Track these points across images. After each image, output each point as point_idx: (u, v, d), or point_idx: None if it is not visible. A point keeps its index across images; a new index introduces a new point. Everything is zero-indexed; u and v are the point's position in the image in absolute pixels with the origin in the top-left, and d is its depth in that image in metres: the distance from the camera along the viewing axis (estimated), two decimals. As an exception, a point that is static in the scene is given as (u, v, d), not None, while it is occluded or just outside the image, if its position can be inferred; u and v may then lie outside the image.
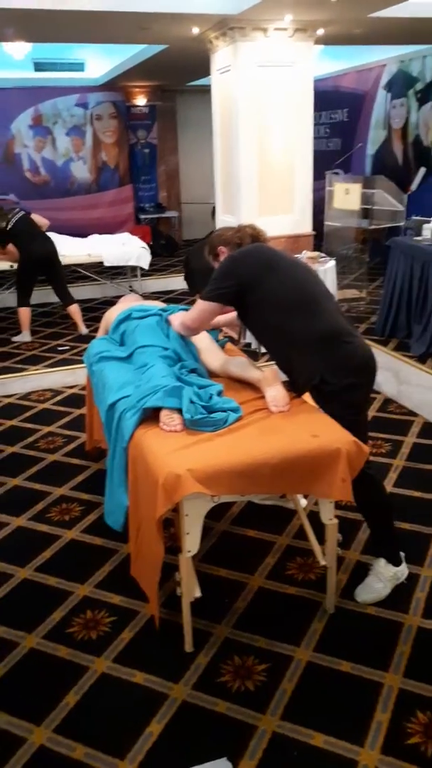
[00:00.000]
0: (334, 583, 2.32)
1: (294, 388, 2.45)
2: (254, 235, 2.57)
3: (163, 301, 3.38)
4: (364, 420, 2.49)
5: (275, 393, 2.36)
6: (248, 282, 2.32)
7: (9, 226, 5.36)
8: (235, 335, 3.24)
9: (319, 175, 6.19)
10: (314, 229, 5.99)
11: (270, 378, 2.44)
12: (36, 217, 5.55)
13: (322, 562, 2.35)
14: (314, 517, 2.58)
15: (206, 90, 6.32)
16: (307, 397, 2.44)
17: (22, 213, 5.50)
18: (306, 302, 2.32)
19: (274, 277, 2.32)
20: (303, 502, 2.80)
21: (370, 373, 2.34)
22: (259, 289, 2.31)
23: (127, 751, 1.82)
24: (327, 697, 1.99)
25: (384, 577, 2.39)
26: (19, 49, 6.12)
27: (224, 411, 2.23)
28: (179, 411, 2.21)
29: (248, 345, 5.06)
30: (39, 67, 7.74)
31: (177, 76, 8.56)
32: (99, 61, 8.02)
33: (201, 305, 2.42)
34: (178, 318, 2.67)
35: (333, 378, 2.25)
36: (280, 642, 2.20)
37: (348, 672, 2.07)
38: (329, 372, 2.25)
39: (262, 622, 2.29)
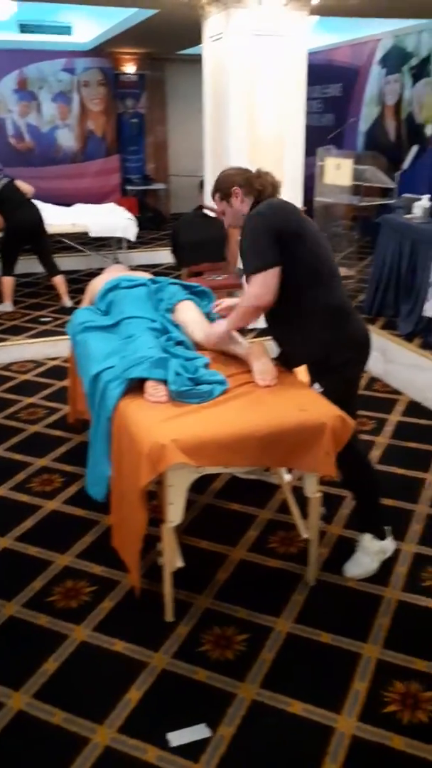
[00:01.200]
0: (315, 556, 2.34)
1: (289, 361, 2.41)
2: (275, 187, 2.31)
3: (149, 274, 3.32)
4: (356, 395, 2.49)
5: (263, 366, 2.34)
6: (282, 240, 2.13)
7: None
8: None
9: (311, 152, 6.11)
10: (304, 205, 5.93)
11: (257, 352, 2.42)
12: (21, 184, 5.41)
13: (305, 535, 2.37)
14: (297, 492, 2.59)
15: (196, 60, 6.17)
16: (298, 371, 2.43)
17: (7, 179, 5.35)
18: (327, 274, 2.24)
19: (303, 242, 2.18)
20: (287, 477, 2.81)
21: (368, 350, 2.34)
22: (287, 251, 2.15)
23: (105, 717, 1.83)
24: (306, 666, 2.02)
25: (370, 551, 2.41)
26: (4, 9, 5.91)
27: (210, 383, 2.21)
28: (165, 382, 2.19)
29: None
30: (24, 29, 7.48)
31: (167, 44, 8.34)
32: (87, 26, 7.78)
33: (262, 277, 2.14)
34: (236, 314, 2.35)
35: (336, 352, 2.24)
36: (261, 613, 2.21)
37: (327, 643, 2.09)
38: (335, 346, 2.24)
39: (243, 594, 2.30)
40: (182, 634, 2.12)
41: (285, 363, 2.46)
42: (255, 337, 4.69)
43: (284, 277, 2.17)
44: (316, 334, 2.24)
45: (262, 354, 2.41)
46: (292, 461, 2.14)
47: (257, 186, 2.27)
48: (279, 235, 2.13)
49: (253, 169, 2.33)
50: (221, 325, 2.47)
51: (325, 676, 1.98)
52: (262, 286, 2.15)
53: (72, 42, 8.26)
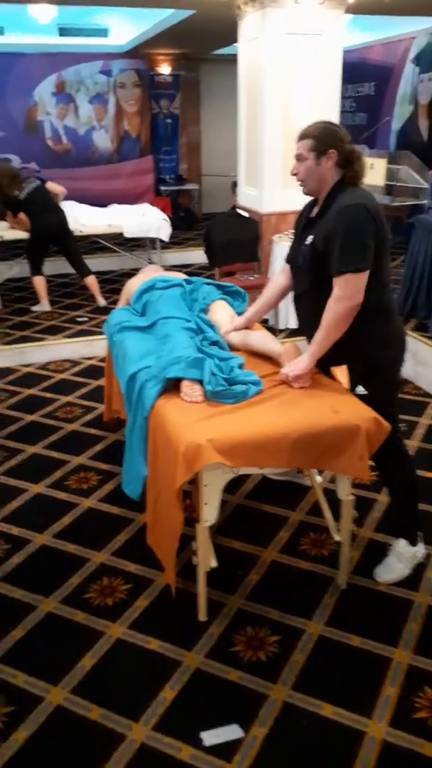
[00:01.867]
0: (347, 559, 2.34)
1: (328, 361, 2.34)
2: (362, 177, 2.19)
3: (183, 274, 3.35)
4: (397, 397, 2.46)
5: (296, 367, 2.34)
6: (377, 244, 2.07)
7: (23, 196, 5.32)
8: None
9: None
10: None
11: (291, 352, 2.42)
12: (51, 186, 5.50)
13: (337, 538, 2.37)
14: (329, 493, 2.60)
15: (230, 60, 6.19)
16: (336, 372, 2.41)
17: (38, 183, 5.44)
18: (386, 274, 2.17)
19: (383, 245, 2.12)
20: (318, 478, 2.81)
21: (405, 350, 2.33)
22: (376, 253, 2.09)
23: (141, 714, 1.87)
24: (337, 670, 2.02)
25: (404, 557, 2.40)
26: (45, 13, 6.01)
27: (245, 384, 2.23)
28: (200, 382, 2.22)
29: (265, 321, 5.04)
30: (63, 32, 7.60)
31: (203, 44, 8.37)
32: (124, 28, 7.87)
33: (358, 278, 2.05)
34: (328, 328, 2.15)
35: (382, 352, 2.23)
36: (293, 615, 2.22)
37: (358, 647, 2.10)
38: (381, 345, 2.22)
39: (275, 595, 2.32)
40: (215, 633, 2.15)
41: (321, 364, 2.44)
42: (287, 338, 4.70)
43: None
44: (365, 333, 2.19)
45: (296, 354, 2.41)
46: (326, 463, 2.14)
47: (356, 167, 2.14)
48: (375, 236, 2.07)
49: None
50: (305, 358, 2.27)
51: (356, 679, 1.99)
52: (359, 287, 2.07)
53: (109, 44, 8.36)
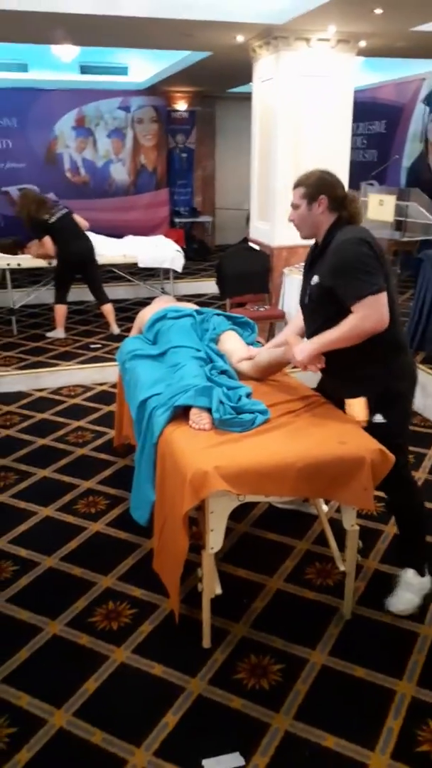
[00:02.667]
0: (352, 590, 2.35)
1: (342, 392, 2.37)
2: (360, 216, 2.30)
3: (195, 305, 3.43)
4: (408, 428, 2.50)
5: (304, 348, 2.31)
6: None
7: (51, 220, 5.43)
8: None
9: (354, 186, 6.19)
10: (348, 239, 5.99)
11: (293, 341, 2.42)
12: (77, 218, 5.64)
13: (342, 568, 2.38)
14: (335, 523, 2.61)
15: (245, 97, 6.38)
16: (351, 403, 2.43)
17: (66, 210, 5.57)
18: (394, 309, 2.20)
19: (387, 277, 2.18)
20: (324, 508, 2.83)
21: (417, 382, 2.39)
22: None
23: (143, 739, 1.87)
24: (340, 700, 2.02)
25: (413, 587, 2.40)
26: (68, 53, 6.26)
27: (252, 413, 2.28)
28: (209, 410, 2.27)
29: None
30: (85, 70, 7.90)
31: (218, 83, 8.65)
32: (143, 66, 8.15)
33: (380, 300, 2.08)
34: (340, 333, 2.18)
35: (394, 383, 2.27)
36: (297, 644, 2.23)
37: (362, 678, 2.10)
38: (399, 377, 2.28)
39: (280, 624, 2.33)
40: (219, 660, 2.16)
41: (332, 394, 2.48)
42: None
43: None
44: (383, 366, 2.25)
45: (298, 341, 2.41)
46: (331, 493, 2.17)
47: (350, 209, 2.24)
48: (379, 267, 2.13)
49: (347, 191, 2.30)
50: (310, 342, 2.30)
51: (359, 711, 1.98)
52: (382, 307, 2.10)
53: (128, 81, 8.65)
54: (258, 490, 2.07)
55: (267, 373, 2.70)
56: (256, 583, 2.54)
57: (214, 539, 2.09)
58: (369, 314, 2.12)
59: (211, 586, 2.16)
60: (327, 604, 2.43)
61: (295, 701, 2.00)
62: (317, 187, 2.24)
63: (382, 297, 2.11)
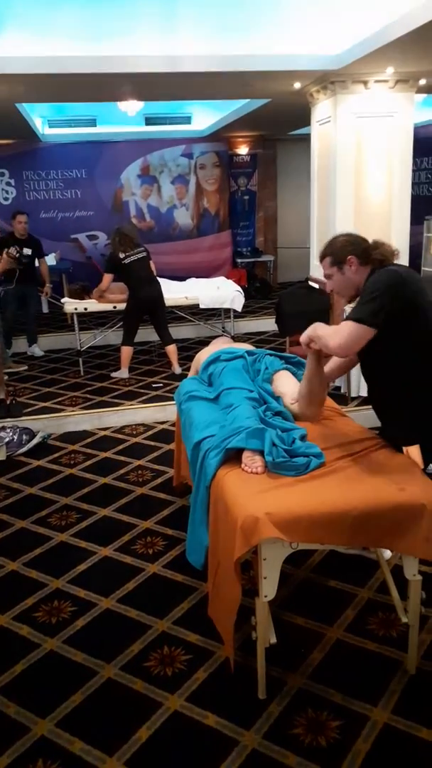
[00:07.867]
0: (416, 643, 2.23)
1: (397, 439, 2.35)
2: (393, 255, 2.27)
3: (254, 343, 3.45)
4: None
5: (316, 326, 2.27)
6: (409, 309, 2.11)
7: (126, 260, 5.49)
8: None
9: (417, 220, 6.12)
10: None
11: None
12: (151, 263, 5.73)
13: (404, 619, 2.27)
14: (398, 571, 2.51)
15: (306, 138, 6.49)
16: (410, 450, 2.37)
17: (144, 254, 5.59)
18: None
19: (426, 313, 2.17)
20: (387, 554, 2.73)
21: None
22: (415, 321, 2.13)
23: (194, 793, 1.83)
24: (402, 763, 1.91)
25: None
26: (133, 107, 6.59)
27: (306, 456, 2.24)
28: (261, 453, 2.25)
29: (338, 388, 5.03)
30: (149, 121, 8.30)
31: (278, 127, 8.85)
32: (204, 114, 8.47)
33: (353, 329, 2.08)
34: (329, 339, 2.19)
35: None
36: (357, 699, 2.13)
37: (427, 739, 1.97)
38: None
39: (339, 677, 2.23)
40: (274, 713, 2.09)
41: (392, 441, 2.42)
42: (358, 405, 4.66)
43: (409, 347, 2.17)
44: (426, 411, 2.21)
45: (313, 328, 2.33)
46: (389, 542, 2.09)
47: (377, 256, 2.25)
48: (403, 304, 2.10)
49: (369, 239, 2.32)
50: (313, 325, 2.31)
51: (425, 776, 1.86)
52: (348, 337, 2.09)
53: (190, 129, 8.99)
54: (311, 538, 2.02)
55: (315, 399, 2.52)
56: (315, 632, 2.46)
57: (268, 587, 2.05)
58: (338, 334, 2.13)
59: (265, 635, 2.11)
60: (390, 657, 2.31)
61: (355, 762, 1.90)
62: (342, 250, 2.29)
63: (359, 330, 2.07)
